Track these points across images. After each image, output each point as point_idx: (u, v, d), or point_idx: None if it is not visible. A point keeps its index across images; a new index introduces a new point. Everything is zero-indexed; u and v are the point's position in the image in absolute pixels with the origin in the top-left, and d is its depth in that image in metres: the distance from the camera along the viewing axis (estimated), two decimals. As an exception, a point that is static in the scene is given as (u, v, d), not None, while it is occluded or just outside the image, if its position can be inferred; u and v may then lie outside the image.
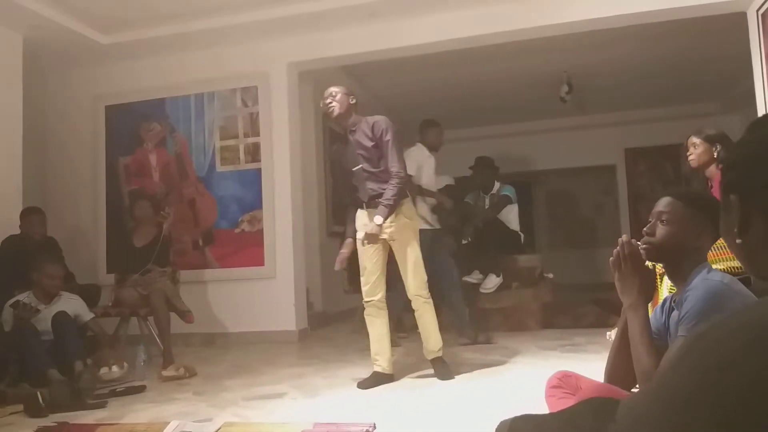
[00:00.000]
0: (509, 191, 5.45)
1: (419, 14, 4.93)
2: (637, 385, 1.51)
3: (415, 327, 3.57)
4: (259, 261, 5.30)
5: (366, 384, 3.25)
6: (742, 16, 4.61)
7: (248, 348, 4.85)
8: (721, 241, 2.81)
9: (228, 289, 5.33)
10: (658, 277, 2.60)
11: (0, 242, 4.24)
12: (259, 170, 5.38)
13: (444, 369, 3.41)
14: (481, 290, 5.19)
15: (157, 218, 4.66)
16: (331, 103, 3.40)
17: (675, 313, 1.49)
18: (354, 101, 3.46)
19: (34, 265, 3.75)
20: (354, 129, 3.41)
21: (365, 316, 3.44)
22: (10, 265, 4.02)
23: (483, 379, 3.37)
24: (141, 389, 3.37)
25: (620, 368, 1.56)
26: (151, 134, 5.67)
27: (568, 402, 1.47)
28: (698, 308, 1.36)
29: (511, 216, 5.41)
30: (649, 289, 1.53)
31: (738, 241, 0.71)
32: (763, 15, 4.36)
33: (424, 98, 7.25)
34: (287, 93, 5.41)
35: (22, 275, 3.79)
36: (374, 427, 2.37)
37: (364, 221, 3.35)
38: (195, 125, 5.58)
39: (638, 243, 1.53)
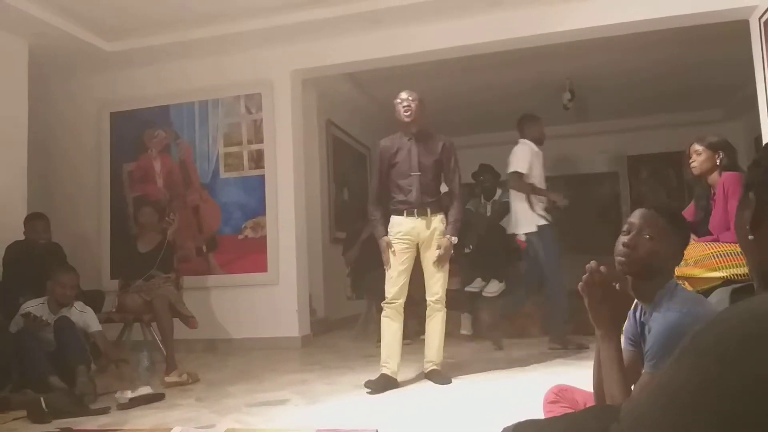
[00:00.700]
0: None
1: (422, 22, 4.95)
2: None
3: (419, 334, 3.59)
4: (262, 267, 5.31)
5: (374, 385, 3.27)
6: (744, 24, 4.62)
7: (251, 354, 4.86)
8: (723, 249, 2.82)
9: (231, 295, 5.34)
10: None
11: (5, 248, 4.25)
12: (262, 177, 5.40)
13: (440, 377, 3.45)
14: (484, 294, 5.18)
15: (161, 224, 4.67)
16: (409, 106, 3.50)
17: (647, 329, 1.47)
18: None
19: (49, 273, 3.68)
20: (418, 136, 3.52)
21: (383, 318, 3.50)
22: (15, 271, 4.03)
23: (485, 385, 3.37)
24: (160, 397, 3.28)
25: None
26: (155, 141, 5.70)
27: None
28: (660, 344, 1.36)
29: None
30: (622, 316, 1.47)
31: (750, 237, 0.73)
32: (765, 23, 4.37)
33: (427, 105, 7.22)
34: (291, 100, 5.43)
35: (27, 281, 3.79)
36: (377, 434, 2.37)
37: (408, 227, 3.46)
38: (199, 132, 5.60)
39: (604, 268, 1.43)
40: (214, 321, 5.27)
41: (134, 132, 5.74)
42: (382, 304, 3.52)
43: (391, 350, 3.43)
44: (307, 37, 5.20)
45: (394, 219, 3.52)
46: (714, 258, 2.80)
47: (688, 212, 3.41)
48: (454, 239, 3.46)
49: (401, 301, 3.47)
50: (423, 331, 3.79)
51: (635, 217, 1.51)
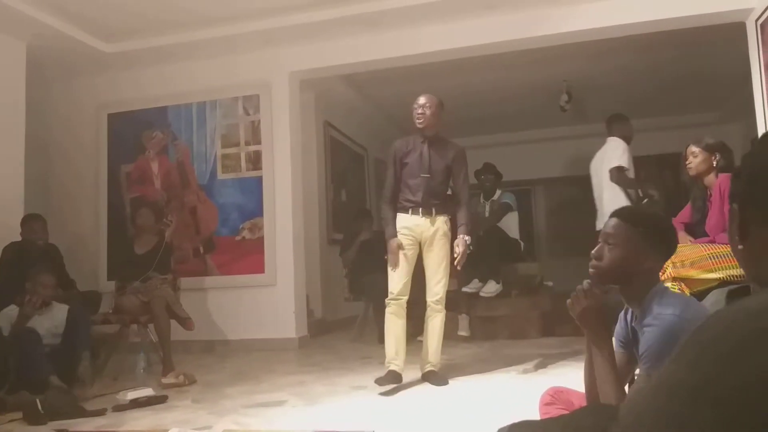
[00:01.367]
0: (509, 198, 5.46)
1: (420, 24, 4.96)
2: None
3: (414, 335, 3.59)
4: (259, 268, 5.31)
5: (385, 381, 3.28)
6: (741, 26, 4.63)
7: (248, 355, 4.85)
8: (719, 250, 2.83)
9: (228, 296, 5.33)
10: None
11: (1, 249, 4.25)
12: (260, 178, 5.40)
13: (437, 378, 3.46)
14: (481, 294, 5.18)
15: (159, 226, 4.66)
16: (423, 113, 3.54)
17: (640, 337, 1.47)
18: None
19: (29, 275, 3.72)
20: (432, 141, 3.58)
21: (387, 314, 3.51)
22: (11, 271, 4.02)
23: (482, 386, 3.37)
24: (162, 399, 3.25)
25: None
26: (153, 142, 5.69)
27: None
28: (655, 348, 1.36)
29: (511, 224, 5.41)
30: (611, 321, 1.51)
31: (740, 247, 0.74)
32: (762, 25, 4.39)
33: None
34: (289, 102, 5.43)
35: (24, 282, 3.78)
36: (374, 435, 2.37)
37: (412, 223, 3.52)
38: (197, 133, 5.60)
39: (588, 283, 1.50)
40: (212, 322, 5.27)
41: (132, 133, 5.74)
42: (386, 301, 3.53)
43: (399, 347, 3.45)
44: (304, 39, 5.21)
45: (400, 216, 3.58)
46: (710, 259, 2.82)
47: (685, 214, 3.43)
48: (468, 238, 3.50)
49: (405, 298, 3.49)
50: (418, 333, 3.79)
51: (604, 227, 1.53)
